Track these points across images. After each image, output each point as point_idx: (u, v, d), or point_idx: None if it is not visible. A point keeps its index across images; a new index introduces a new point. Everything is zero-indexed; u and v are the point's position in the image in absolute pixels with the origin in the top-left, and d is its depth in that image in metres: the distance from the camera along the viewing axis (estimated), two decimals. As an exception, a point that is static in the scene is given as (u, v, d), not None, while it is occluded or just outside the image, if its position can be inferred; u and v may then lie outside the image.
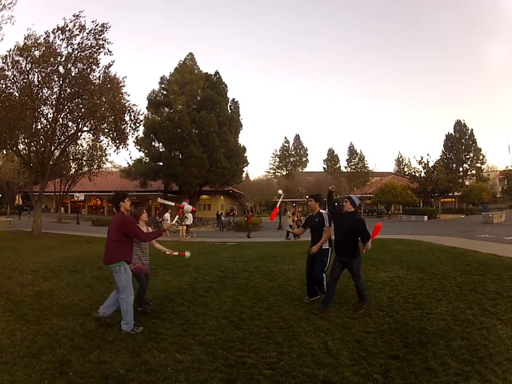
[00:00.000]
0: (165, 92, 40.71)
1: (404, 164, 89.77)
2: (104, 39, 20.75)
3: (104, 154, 31.39)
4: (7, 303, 6.26)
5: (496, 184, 74.57)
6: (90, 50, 20.53)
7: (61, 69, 20.61)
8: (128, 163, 38.03)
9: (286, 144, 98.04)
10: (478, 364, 3.77)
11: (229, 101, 41.63)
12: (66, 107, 21.99)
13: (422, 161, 45.22)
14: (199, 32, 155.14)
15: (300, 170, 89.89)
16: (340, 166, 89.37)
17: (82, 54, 20.43)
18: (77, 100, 21.89)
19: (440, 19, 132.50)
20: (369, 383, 3.47)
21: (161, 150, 39.16)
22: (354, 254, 5.83)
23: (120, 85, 23.17)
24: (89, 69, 20.95)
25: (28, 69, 19.95)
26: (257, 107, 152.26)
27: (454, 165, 69.05)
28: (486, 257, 10.31)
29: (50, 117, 21.93)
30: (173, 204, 6.57)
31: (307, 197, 6.47)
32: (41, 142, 22.34)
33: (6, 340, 4.54)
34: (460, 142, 70.42)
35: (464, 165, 70.72)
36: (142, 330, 4.94)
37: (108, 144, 25.72)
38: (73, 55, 20.31)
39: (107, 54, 21.24)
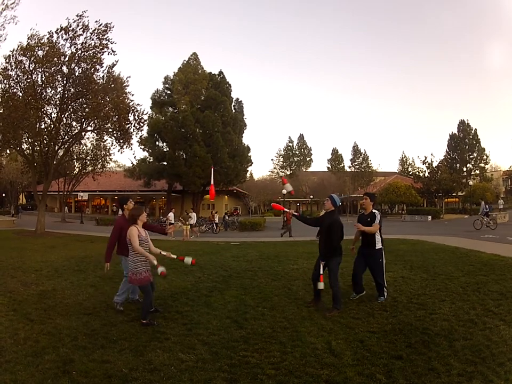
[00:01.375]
0: (168, 92, 40.78)
1: (407, 163, 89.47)
2: (107, 38, 20.82)
3: (108, 153, 31.59)
4: (10, 302, 6.28)
5: (499, 184, 74.21)
6: (94, 50, 20.59)
7: (64, 68, 20.68)
8: (132, 163, 38.20)
9: (290, 144, 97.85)
10: (480, 364, 3.76)
11: (233, 101, 41.67)
12: (70, 107, 22.06)
13: (425, 161, 45.05)
14: (203, 32, 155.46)
15: (304, 170, 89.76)
16: (343, 166, 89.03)
17: (86, 54, 20.49)
18: (80, 100, 21.96)
19: (444, 18, 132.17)
20: (372, 383, 3.47)
21: (165, 149, 39.21)
22: (333, 254, 5.86)
23: (124, 84, 23.22)
24: (93, 69, 21.00)
25: (31, 68, 20.01)
26: (261, 107, 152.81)
27: (458, 165, 68.71)
28: (489, 257, 10.25)
29: (54, 117, 22.03)
30: None
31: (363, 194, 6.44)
32: (45, 142, 22.42)
33: (9, 339, 4.56)
34: (464, 141, 70.02)
35: (468, 165, 70.28)
36: (121, 310, 5.70)
37: (112, 143, 25.85)
38: (76, 55, 20.38)
39: (111, 53, 21.34)
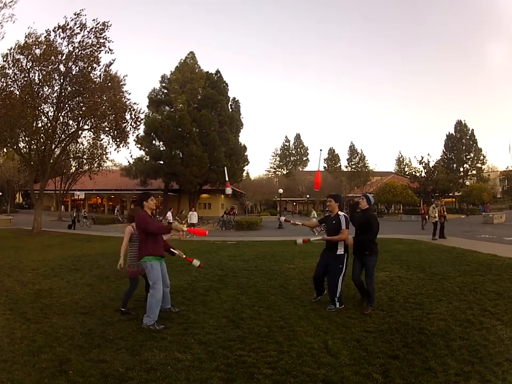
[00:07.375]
0: (165, 91, 40.70)
1: (404, 163, 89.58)
2: (105, 37, 20.79)
3: (104, 152, 31.52)
4: (7, 302, 6.27)
5: (496, 184, 74.55)
6: (91, 49, 20.56)
7: (61, 67, 20.65)
8: (128, 161, 38.11)
9: (287, 143, 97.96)
10: (477, 364, 3.76)
11: (230, 100, 41.61)
12: (67, 105, 22.00)
13: (422, 161, 45.21)
14: (200, 31, 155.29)
15: (300, 169, 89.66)
16: (340, 166, 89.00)
17: (83, 52, 20.46)
18: (77, 98, 21.90)
19: (442, 19, 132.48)
20: (369, 383, 3.46)
21: (161, 148, 39.14)
22: (371, 251, 5.83)
23: (121, 83, 23.21)
24: (90, 67, 20.96)
25: (28, 67, 19.97)
26: (258, 106, 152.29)
27: (455, 165, 69.01)
28: (486, 257, 10.29)
29: (50, 115, 21.96)
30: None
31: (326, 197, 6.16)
32: (42, 140, 22.36)
33: (6, 339, 4.55)
34: (461, 142, 70.31)
35: (465, 165, 70.60)
36: (161, 328, 4.95)
37: (109, 142, 25.88)
38: (74, 54, 20.35)
39: (108, 52, 21.31)
